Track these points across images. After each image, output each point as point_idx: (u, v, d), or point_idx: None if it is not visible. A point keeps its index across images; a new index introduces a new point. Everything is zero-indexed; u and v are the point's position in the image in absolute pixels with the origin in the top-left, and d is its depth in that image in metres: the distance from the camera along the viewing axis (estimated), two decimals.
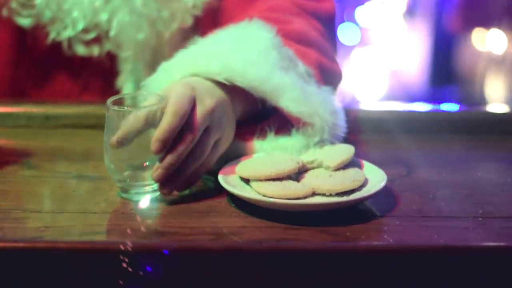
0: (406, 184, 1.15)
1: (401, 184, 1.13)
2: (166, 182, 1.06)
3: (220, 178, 1.05)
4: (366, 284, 0.94)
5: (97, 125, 1.39)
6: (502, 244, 0.95)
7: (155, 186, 1.08)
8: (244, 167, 1.07)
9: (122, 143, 1.06)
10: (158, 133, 1.03)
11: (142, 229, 0.97)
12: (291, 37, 1.27)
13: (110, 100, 1.09)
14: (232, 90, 1.15)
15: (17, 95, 1.57)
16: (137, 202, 1.07)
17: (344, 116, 1.19)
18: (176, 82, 1.12)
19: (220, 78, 1.13)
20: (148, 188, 1.08)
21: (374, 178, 1.06)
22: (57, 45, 1.51)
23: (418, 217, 1.02)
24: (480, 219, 1.02)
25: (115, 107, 1.07)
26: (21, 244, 0.92)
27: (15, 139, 1.37)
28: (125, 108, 1.08)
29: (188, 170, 1.07)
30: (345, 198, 1.01)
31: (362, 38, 5.01)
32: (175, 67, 1.18)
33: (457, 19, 4.55)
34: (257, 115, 1.22)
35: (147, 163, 1.07)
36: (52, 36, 1.50)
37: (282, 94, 1.14)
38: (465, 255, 0.94)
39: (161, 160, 1.05)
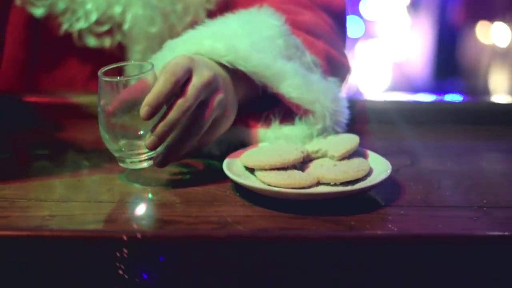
0: (411, 173, 1.15)
1: (406, 174, 1.14)
2: (162, 155, 1.08)
3: (225, 167, 1.05)
4: (371, 273, 0.94)
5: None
6: (506, 233, 0.95)
7: (151, 154, 1.08)
8: (249, 156, 1.07)
9: (116, 113, 1.07)
10: (147, 99, 1.04)
11: (147, 218, 0.97)
12: (300, 27, 1.28)
13: (101, 71, 1.09)
14: (234, 73, 1.16)
15: (25, 77, 1.57)
16: (136, 171, 1.09)
17: (346, 103, 1.20)
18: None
19: (223, 60, 1.14)
20: (144, 157, 1.09)
21: (379, 167, 1.06)
22: (68, 34, 1.51)
23: (422, 207, 1.02)
24: (485, 208, 1.02)
25: (106, 78, 1.07)
26: (25, 233, 0.92)
27: None
28: (117, 78, 1.07)
29: (184, 143, 1.07)
30: (349, 188, 1.01)
31: (366, 31, 5.00)
32: (180, 46, 1.18)
33: (461, 12, 4.55)
34: (257, 102, 1.23)
35: (141, 132, 1.07)
36: (64, 27, 1.50)
37: (283, 80, 1.15)
38: (469, 245, 0.94)
39: (153, 128, 1.05)
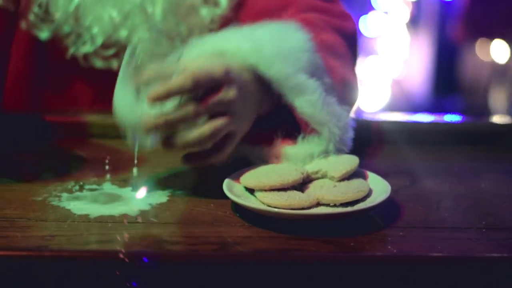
0: (410, 194, 1.15)
1: (405, 195, 1.14)
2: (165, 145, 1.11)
3: (225, 187, 1.06)
4: None
5: (103, 134, 1.41)
6: (505, 255, 0.95)
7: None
8: (248, 177, 1.08)
9: (161, 100, 1.08)
10: (160, 88, 1.07)
11: (148, 238, 0.97)
12: (323, 47, 1.28)
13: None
14: (260, 84, 1.17)
15: (30, 96, 1.58)
16: (136, 191, 1.11)
17: (352, 133, 1.20)
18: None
19: (247, 61, 1.16)
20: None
21: (378, 188, 1.07)
22: (74, 57, 1.52)
23: (422, 228, 1.02)
24: (484, 230, 1.02)
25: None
26: (25, 253, 0.92)
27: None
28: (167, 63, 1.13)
29: (191, 145, 1.10)
30: (349, 209, 1.01)
31: (366, 48, 5.01)
32: (205, 43, 1.19)
33: (460, 29, 4.56)
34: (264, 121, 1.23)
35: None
36: (71, 51, 1.51)
37: (301, 94, 1.16)
38: (469, 266, 0.94)
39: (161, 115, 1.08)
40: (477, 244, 0.98)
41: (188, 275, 0.92)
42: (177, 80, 1.08)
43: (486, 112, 4.43)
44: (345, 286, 0.93)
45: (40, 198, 1.10)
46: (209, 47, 1.18)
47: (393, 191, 1.06)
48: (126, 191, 1.14)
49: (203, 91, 1.09)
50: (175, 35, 1.49)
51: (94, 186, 1.15)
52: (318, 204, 1.03)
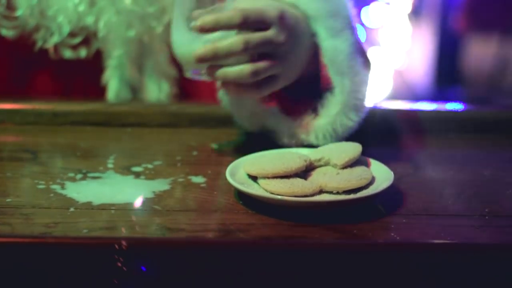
0: (413, 182, 1.15)
1: (408, 182, 1.14)
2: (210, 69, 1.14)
3: (228, 174, 1.06)
4: (373, 281, 0.94)
5: (105, 122, 1.41)
6: (508, 242, 0.96)
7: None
8: (251, 164, 1.07)
9: (204, 30, 1.11)
10: (207, 17, 1.11)
11: (150, 225, 0.97)
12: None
13: None
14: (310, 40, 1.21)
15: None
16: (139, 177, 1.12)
17: (366, 92, 1.25)
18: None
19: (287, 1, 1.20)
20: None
21: (381, 176, 1.07)
22: (43, 49, 1.51)
23: (425, 215, 1.02)
24: (487, 217, 1.02)
25: None
26: (29, 240, 0.93)
27: (23, 136, 1.38)
28: None
29: (230, 79, 1.13)
30: (352, 196, 1.01)
31: (368, 38, 5.01)
32: None
33: (462, 19, 4.55)
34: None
35: None
36: (39, 44, 1.50)
37: (333, 38, 1.20)
38: (472, 253, 0.94)
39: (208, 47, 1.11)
40: (480, 232, 0.98)
41: (191, 263, 0.93)
42: (227, 13, 1.11)
43: (487, 102, 4.42)
44: (348, 273, 0.93)
45: (43, 186, 1.10)
46: None
47: (396, 179, 1.06)
48: (129, 179, 1.14)
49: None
50: (147, 15, 1.49)
51: (97, 174, 1.15)
52: (321, 192, 1.03)
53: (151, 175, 1.15)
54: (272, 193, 1.01)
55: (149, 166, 1.19)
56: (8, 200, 1.05)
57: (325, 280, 0.93)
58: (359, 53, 1.25)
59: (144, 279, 0.92)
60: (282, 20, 1.13)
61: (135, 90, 1.57)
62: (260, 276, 0.93)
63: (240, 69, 1.12)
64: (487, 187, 1.15)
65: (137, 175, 1.15)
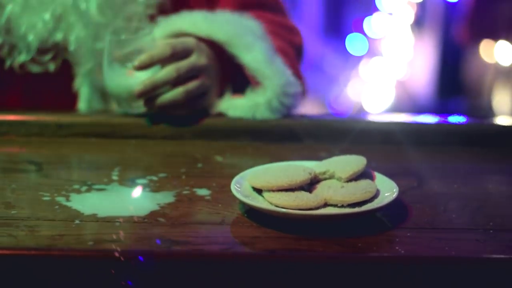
0: (417, 195, 1.15)
1: (412, 196, 1.14)
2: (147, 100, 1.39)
3: (233, 187, 1.06)
4: None
5: (110, 134, 1.41)
6: None
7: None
8: (256, 177, 1.08)
9: (142, 67, 1.36)
10: (144, 55, 1.36)
11: (155, 238, 0.97)
12: (271, 35, 1.51)
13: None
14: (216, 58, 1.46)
15: None
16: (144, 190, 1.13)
17: (297, 90, 1.46)
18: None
19: (202, 33, 1.43)
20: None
21: (386, 189, 1.07)
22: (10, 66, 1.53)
23: (429, 229, 1.02)
24: (491, 231, 1.02)
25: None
26: (34, 252, 0.93)
27: (28, 147, 1.38)
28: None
29: (165, 102, 1.37)
30: (357, 209, 1.01)
31: (370, 49, 5.02)
32: (162, 25, 1.47)
33: (465, 30, 4.56)
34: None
35: None
36: (7, 63, 1.52)
37: (249, 52, 1.42)
38: (476, 267, 0.94)
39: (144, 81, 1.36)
40: (485, 245, 0.98)
41: (196, 275, 0.93)
42: (158, 49, 1.36)
43: (490, 114, 4.42)
44: (353, 287, 0.93)
45: (48, 198, 1.10)
46: (166, 27, 1.45)
47: (401, 192, 1.06)
48: (134, 191, 1.14)
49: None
50: (114, 26, 1.51)
51: (102, 186, 1.15)
52: (325, 205, 1.03)
53: (155, 188, 1.15)
54: (276, 206, 1.01)
55: (154, 178, 1.19)
56: (13, 212, 1.05)
57: None
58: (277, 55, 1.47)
59: None
60: (199, 46, 1.40)
61: (106, 99, 1.59)
62: None
63: (175, 93, 1.36)
64: (491, 200, 1.16)
65: (142, 187, 1.16)
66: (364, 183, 1.07)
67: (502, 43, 4.40)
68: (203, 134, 1.44)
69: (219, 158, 1.33)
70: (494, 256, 0.96)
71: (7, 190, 1.15)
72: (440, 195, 1.17)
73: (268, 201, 1.03)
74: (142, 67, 1.36)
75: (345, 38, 5.13)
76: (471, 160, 1.37)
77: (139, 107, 1.42)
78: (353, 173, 1.08)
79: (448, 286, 0.93)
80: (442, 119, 1.52)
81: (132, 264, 0.91)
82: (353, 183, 1.07)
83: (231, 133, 1.42)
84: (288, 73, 1.45)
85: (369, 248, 0.95)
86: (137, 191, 1.14)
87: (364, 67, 5.04)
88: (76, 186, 1.15)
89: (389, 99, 4.97)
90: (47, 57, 1.52)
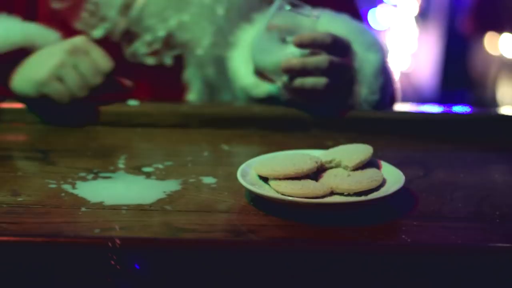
0: (424, 185, 1.15)
1: (419, 185, 1.14)
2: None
3: (239, 175, 1.06)
4: (384, 283, 0.94)
5: (116, 122, 1.41)
6: None
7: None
8: (262, 165, 1.08)
9: (301, 44, 1.35)
10: (307, 34, 1.36)
11: (162, 225, 0.97)
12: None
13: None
14: None
15: None
16: (152, 178, 1.08)
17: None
18: None
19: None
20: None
21: (392, 178, 1.06)
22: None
23: (436, 218, 1.02)
24: (497, 220, 1.02)
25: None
26: (41, 239, 0.93)
27: (35, 135, 1.38)
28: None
29: (305, 85, 1.38)
30: (363, 198, 1.01)
31: None
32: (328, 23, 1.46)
33: (469, 22, 4.55)
34: None
35: None
36: (130, 49, 1.55)
37: (368, 51, 1.45)
38: (483, 256, 0.94)
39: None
40: (491, 235, 0.98)
41: (202, 263, 0.93)
42: (321, 34, 1.35)
43: (494, 105, 4.42)
44: (359, 275, 0.94)
45: (54, 186, 1.10)
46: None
47: (407, 181, 1.06)
48: (140, 179, 1.14)
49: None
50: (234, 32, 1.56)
51: (108, 174, 1.15)
52: (332, 193, 1.03)
53: (162, 176, 1.15)
54: (283, 194, 1.01)
55: (160, 166, 1.20)
56: (20, 199, 1.05)
57: (336, 281, 0.94)
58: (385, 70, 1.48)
59: (155, 279, 0.92)
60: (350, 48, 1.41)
61: (214, 91, 1.63)
62: (270, 277, 0.93)
63: (317, 81, 1.35)
64: (497, 190, 1.16)
65: (148, 175, 1.16)
66: (370, 172, 1.07)
67: (507, 35, 4.39)
68: (209, 123, 1.44)
69: (225, 147, 1.33)
70: (500, 245, 0.96)
71: (13, 177, 1.15)
72: (446, 184, 1.16)
73: (275, 189, 1.03)
74: (301, 44, 1.35)
75: None
76: (477, 149, 1.37)
77: (276, 80, 1.42)
78: (360, 162, 1.08)
79: (454, 275, 0.93)
80: (447, 108, 1.52)
81: (138, 251, 0.91)
82: (359, 172, 1.07)
83: (237, 122, 1.42)
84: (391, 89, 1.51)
85: (375, 236, 0.96)
86: (143, 179, 1.14)
87: None
88: (83, 174, 1.15)
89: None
90: (171, 53, 1.57)
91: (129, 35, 1.55)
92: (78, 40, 1.39)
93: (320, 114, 1.45)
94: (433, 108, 1.53)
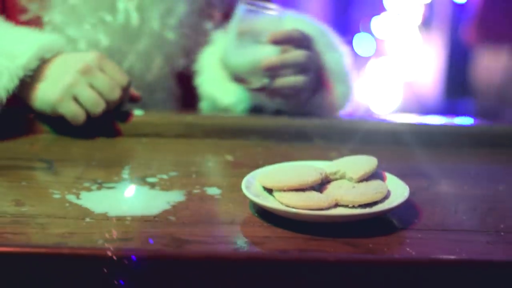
0: (428, 197, 1.15)
1: (423, 197, 1.14)
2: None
3: (244, 187, 1.06)
4: None
5: (121, 132, 1.41)
6: None
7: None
8: (267, 176, 1.08)
9: (275, 41, 1.38)
10: (277, 32, 1.39)
11: (166, 237, 0.97)
12: None
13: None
14: None
15: None
16: (156, 188, 1.08)
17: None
18: None
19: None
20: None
21: (397, 190, 1.06)
22: None
23: (440, 230, 1.02)
24: (502, 233, 1.02)
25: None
26: (44, 250, 0.92)
27: (39, 145, 1.38)
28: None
29: (285, 85, 1.43)
30: (367, 210, 1.01)
31: (378, 49, 5.01)
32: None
33: (472, 31, 4.55)
34: None
35: None
36: None
37: (331, 51, 1.55)
38: (487, 269, 0.94)
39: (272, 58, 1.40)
40: (495, 248, 0.98)
41: (206, 275, 0.92)
42: (293, 30, 1.40)
43: (498, 115, 4.42)
44: None
45: (58, 196, 1.10)
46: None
47: (411, 193, 1.06)
48: (144, 190, 1.14)
49: None
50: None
51: (112, 185, 1.15)
52: (336, 205, 1.03)
53: (166, 186, 1.15)
54: (287, 206, 1.01)
55: (165, 176, 1.19)
56: (24, 209, 1.05)
57: None
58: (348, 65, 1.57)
59: None
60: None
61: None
62: None
63: (297, 79, 1.40)
64: (501, 202, 1.15)
65: (152, 185, 1.15)
66: (375, 183, 1.07)
67: (510, 44, 4.39)
68: (214, 133, 1.44)
69: (229, 157, 1.33)
70: (505, 258, 0.95)
71: (17, 187, 1.15)
72: (450, 196, 1.16)
73: (279, 201, 1.03)
74: (276, 41, 1.38)
75: (353, 38, 5.13)
76: (481, 161, 1.37)
77: (256, 83, 1.43)
78: (365, 174, 1.08)
79: None
80: (451, 120, 1.52)
81: (143, 263, 0.91)
82: (364, 184, 1.07)
83: (241, 133, 1.42)
84: (351, 80, 1.56)
85: (379, 249, 0.95)
86: (147, 190, 1.14)
87: (371, 67, 5.03)
88: (87, 184, 1.15)
89: (397, 100, 4.96)
90: None
91: None
92: (90, 57, 1.38)
93: (301, 114, 1.49)
94: (437, 120, 1.53)
